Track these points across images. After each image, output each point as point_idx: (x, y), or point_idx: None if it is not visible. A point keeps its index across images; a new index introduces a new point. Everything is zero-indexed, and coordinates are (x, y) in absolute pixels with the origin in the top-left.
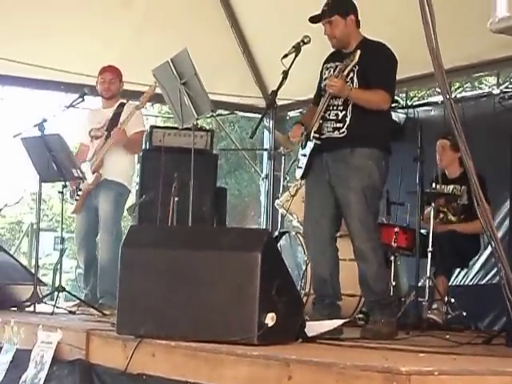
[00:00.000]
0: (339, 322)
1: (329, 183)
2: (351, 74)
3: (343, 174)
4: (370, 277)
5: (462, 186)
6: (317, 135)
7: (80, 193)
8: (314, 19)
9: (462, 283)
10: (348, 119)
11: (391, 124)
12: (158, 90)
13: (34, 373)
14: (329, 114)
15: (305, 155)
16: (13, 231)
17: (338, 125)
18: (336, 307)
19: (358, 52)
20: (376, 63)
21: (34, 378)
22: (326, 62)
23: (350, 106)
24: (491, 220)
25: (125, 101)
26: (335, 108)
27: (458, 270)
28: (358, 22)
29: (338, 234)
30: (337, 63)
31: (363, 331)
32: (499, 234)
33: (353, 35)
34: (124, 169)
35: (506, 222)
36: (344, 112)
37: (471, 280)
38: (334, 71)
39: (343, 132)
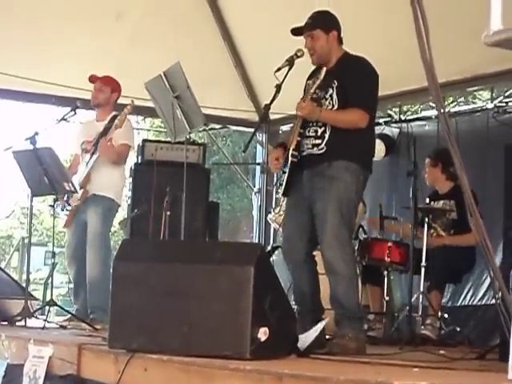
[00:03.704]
0: (319, 326)
1: (308, 200)
2: (330, 91)
3: (320, 187)
4: (340, 290)
5: (451, 200)
6: (295, 153)
7: (69, 207)
8: (296, 31)
9: (469, 303)
10: (327, 135)
11: (373, 141)
12: (151, 104)
13: None
14: (308, 131)
15: (285, 172)
16: (3, 246)
17: (317, 141)
18: (317, 323)
19: (324, 69)
20: (353, 80)
21: None
22: (309, 77)
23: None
24: (484, 232)
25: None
26: (314, 124)
27: (466, 289)
28: (340, 39)
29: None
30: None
31: (330, 345)
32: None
33: (334, 51)
34: (113, 183)
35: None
36: (323, 128)
37: (479, 300)
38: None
39: (322, 148)
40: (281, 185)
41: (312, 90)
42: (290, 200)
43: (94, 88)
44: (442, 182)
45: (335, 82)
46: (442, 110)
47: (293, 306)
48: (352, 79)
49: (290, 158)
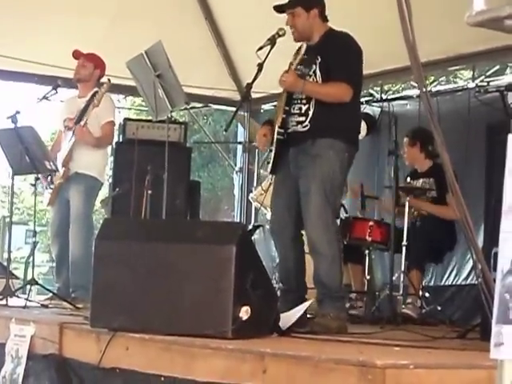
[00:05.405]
0: (303, 307)
1: (294, 178)
2: (314, 67)
3: (304, 165)
4: (323, 270)
5: (430, 178)
6: (281, 130)
7: (52, 186)
8: (278, 8)
9: (453, 283)
10: (311, 112)
11: (358, 117)
12: (132, 83)
13: (12, 367)
14: (293, 108)
15: (271, 150)
16: None
17: (301, 118)
18: (300, 302)
19: (304, 45)
20: (336, 55)
21: (13, 374)
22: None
23: (313, 100)
24: (466, 210)
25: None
26: (299, 102)
27: (451, 268)
28: (323, 17)
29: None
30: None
31: (312, 324)
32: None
33: (315, 29)
34: (95, 161)
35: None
36: (307, 105)
37: (464, 280)
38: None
39: (306, 126)
40: (268, 163)
41: (293, 67)
42: (277, 177)
43: (77, 64)
44: (420, 160)
45: (318, 57)
46: (424, 89)
47: (276, 285)
48: (335, 54)
49: (275, 136)
